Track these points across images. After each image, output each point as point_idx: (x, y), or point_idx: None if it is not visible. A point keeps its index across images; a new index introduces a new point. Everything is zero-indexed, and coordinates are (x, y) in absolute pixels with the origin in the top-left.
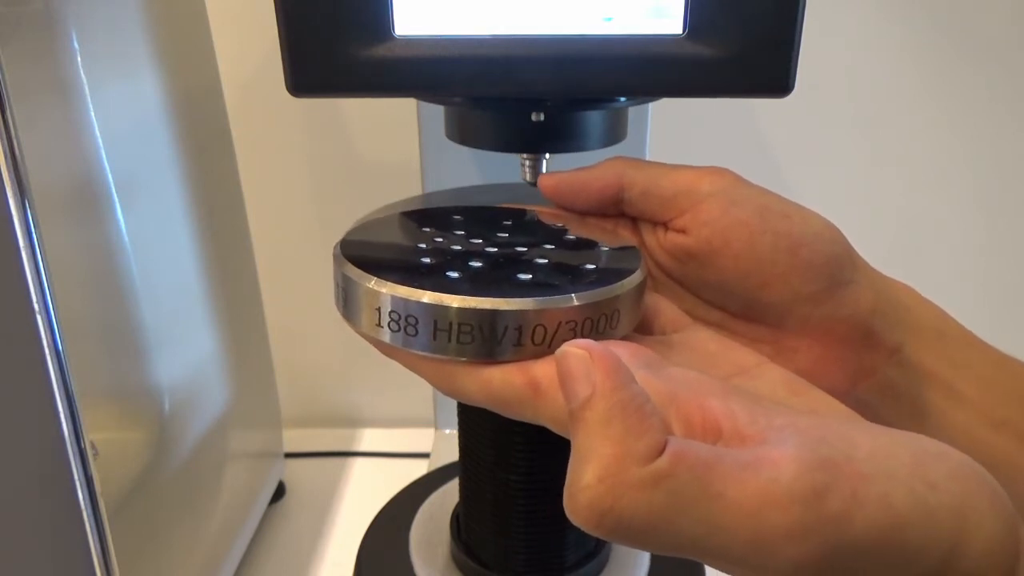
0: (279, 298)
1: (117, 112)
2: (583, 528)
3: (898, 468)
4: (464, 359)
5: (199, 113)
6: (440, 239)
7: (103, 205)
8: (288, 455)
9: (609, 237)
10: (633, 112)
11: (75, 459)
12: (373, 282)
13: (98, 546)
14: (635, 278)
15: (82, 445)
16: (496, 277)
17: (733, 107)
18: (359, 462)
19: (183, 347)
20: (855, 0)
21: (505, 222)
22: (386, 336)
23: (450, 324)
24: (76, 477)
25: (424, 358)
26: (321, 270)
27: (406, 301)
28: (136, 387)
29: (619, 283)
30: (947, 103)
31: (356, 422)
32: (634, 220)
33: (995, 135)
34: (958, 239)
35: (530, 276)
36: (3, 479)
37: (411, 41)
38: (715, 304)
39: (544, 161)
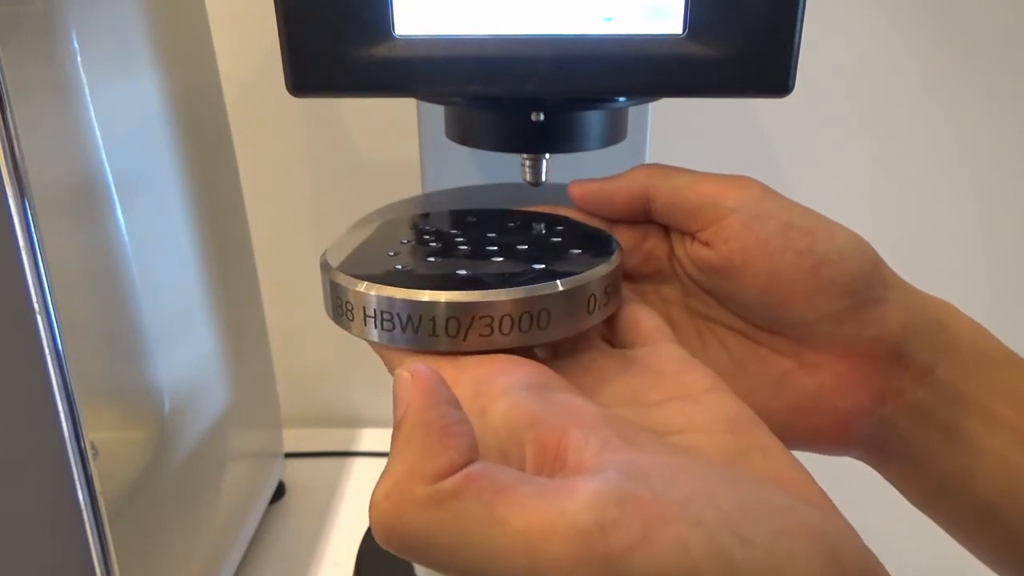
0: (279, 298)
1: (117, 112)
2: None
3: (710, 515)
4: (394, 346)
5: (199, 113)
6: (427, 236)
7: (103, 205)
8: (288, 455)
9: (598, 246)
10: (633, 112)
11: (75, 459)
12: (331, 271)
13: (98, 546)
14: (570, 281)
15: (82, 445)
16: (438, 271)
17: (733, 107)
18: (359, 462)
19: (183, 347)
20: (855, 0)
21: (510, 224)
22: (338, 319)
23: (374, 311)
24: (76, 477)
25: (369, 342)
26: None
27: (345, 288)
28: (136, 387)
29: (547, 283)
30: (947, 103)
31: (356, 422)
32: (666, 228)
33: (995, 135)
34: (958, 239)
35: (468, 272)
36: (3, 479)
37: (411, 41)
38: (739, 315)
39: (544, 161)
